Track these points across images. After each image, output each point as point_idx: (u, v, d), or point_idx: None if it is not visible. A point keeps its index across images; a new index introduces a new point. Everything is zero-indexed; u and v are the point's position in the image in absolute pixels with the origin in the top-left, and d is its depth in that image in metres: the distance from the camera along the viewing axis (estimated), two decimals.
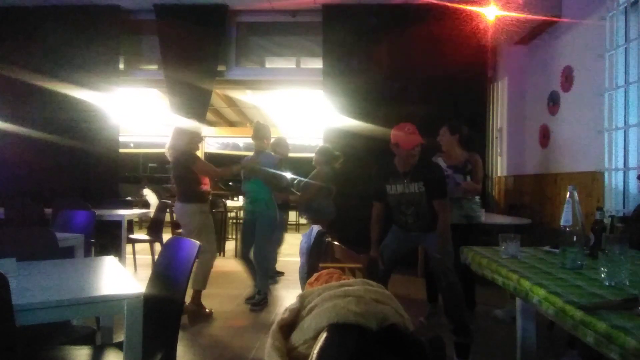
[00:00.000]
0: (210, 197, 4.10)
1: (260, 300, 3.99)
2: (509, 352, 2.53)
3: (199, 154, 3.96)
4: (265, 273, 4.13)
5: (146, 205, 9.00)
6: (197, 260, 3.57)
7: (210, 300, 4.00)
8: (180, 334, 2.86)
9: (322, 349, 1.08)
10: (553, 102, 4.51)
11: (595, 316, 1.16)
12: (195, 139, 3.85)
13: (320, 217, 4.29)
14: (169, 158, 3.84)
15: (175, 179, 3.80)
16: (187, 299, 3.78)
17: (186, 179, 3.69)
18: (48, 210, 4.34)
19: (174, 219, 5.75)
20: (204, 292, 3.81)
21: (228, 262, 6.19)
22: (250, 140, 4.44)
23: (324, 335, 1.12)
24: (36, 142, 5.87)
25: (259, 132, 4.18)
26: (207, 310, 3.75)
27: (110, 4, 5.99)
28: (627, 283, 1.47)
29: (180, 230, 4.06)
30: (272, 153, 4.45)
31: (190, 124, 3.82)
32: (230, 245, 7.06)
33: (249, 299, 4.12)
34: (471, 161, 3.53)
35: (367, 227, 3.18)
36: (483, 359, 2.94)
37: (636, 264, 1.78)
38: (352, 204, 4.87)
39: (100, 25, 6.01)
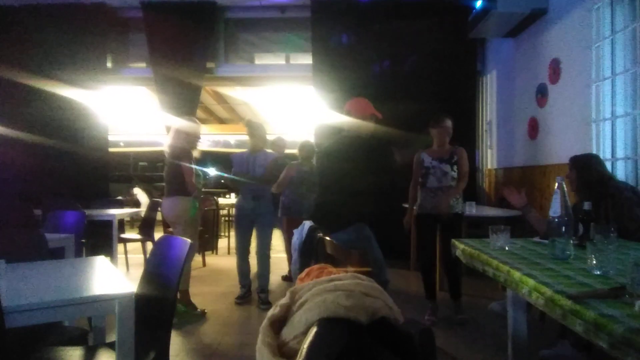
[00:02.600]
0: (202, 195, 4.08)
1: (266, 298, 4.04)
2: (500, 342, 2.56)
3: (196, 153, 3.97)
4: (268, 271, 4.13)
5: (137, 204, 8.95)
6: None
7: (202, 298, 3.99)
8: (174, 332, 2.86)
9: (311, 344, 1.09)
10: (541, 94, 4.53)
11: (584, 305, 1.17)
12: (194, 138, 3.84)
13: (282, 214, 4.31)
14: (166, 155, 3.82)
15: (168, 175, 3.77)
16: None
17: (180, 174, 3.67)
18: (37, 211, 4.30)
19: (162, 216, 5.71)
20: (195, 290, 3.79)
21: (220, 260, 6.17)
22: (241, 137, 4.46)
23: (313, 329, 1.13)
24: (24, 142, 5.79)
25: (253, 130, 4.18)
26: (198, 310, 3.71)
27: (95, 1, 5.91)
28: (615, 272, 1.48)
29: (172, 229, 4.04)
30: (269, 150, 4.44)
31: (189, 123, 3.80)
32: (222, 243, 7.03)
33: (238, 298, 4.13)
34: (457, 153, 3.53)
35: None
36: (475, 350, 2.97)
37: (623, 253, 1.80)
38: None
39: (86, 23, 5.92)
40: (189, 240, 1.84)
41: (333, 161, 2.87)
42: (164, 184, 3.92)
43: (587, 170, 2.54)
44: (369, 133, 2.92)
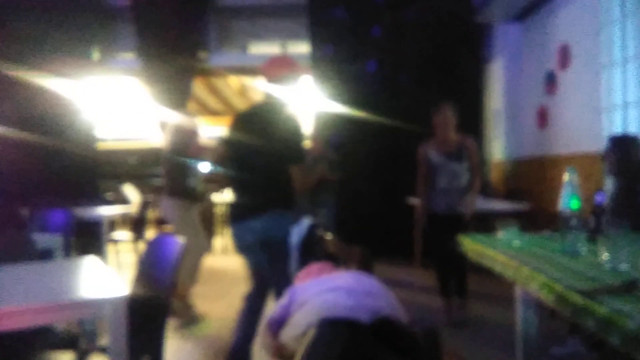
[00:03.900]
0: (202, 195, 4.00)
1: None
2: (509, 340, 2.50)
3: None
4: None
5: (128, 202, 8.82)
6: (187, 260, 3.47)
7: (199, 299, 3.92)
8: (170, 334, 2.81)
9: (310, 345, 1.05)
10: (550, 81, 4.44)
11: (596, 301, 1.15)
12: (193, 135, 3.73)
13: None
14: (164, 153, 3.73)
15: (167, 174, 3.69)
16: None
17: (177, 174, 3.60)
18: (23, 211, 4.21)
19: (160, 215, 5.63)
20: (193, 291, 3.73)
21: (216, 259, 6.08)
22: None
23: (313, 331, 1.09)
24: (8, 138, 5.67)
25: None
26: (198, 312, 3.62)
27: None
28: (628, 266, 1.45)
29: (164, 227, 3.96)
30: None
31: (186, 119, 3.72)
32: (217, 242, 6.93)
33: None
34: (466, 145, 3.33)
35: (360, 220, 3.11)
36: (483, 349, 2.94)
37: (636, 247, 1.76)
38: (343, 195, 4.78)
39: (72, 13, 5.78)
40: (182, 240, 1.79)
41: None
42: (157, 180, 3.85)
43: (631, 152, 2.39)
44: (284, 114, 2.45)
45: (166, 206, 3.66)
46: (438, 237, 3.44)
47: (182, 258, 3.54)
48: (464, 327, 3.30)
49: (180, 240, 1.82)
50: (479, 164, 3.38)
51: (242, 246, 2.37)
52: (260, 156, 2.27)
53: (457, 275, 3.44)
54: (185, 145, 3.63)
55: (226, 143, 2.48)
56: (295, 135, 2.33)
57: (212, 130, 12.85)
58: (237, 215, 2.36)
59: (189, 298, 3.66)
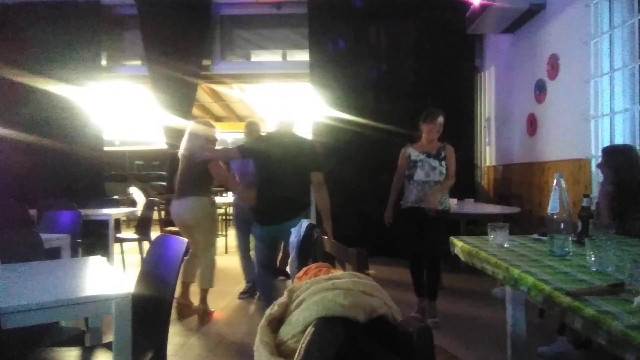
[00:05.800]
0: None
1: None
2: (499, 339, 2.55)
3: None
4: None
5: (133, 203, 8.90)
6: (204, 259, 3.54)
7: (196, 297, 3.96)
8: (172, 331, 2.86)
9: (309, 343, 1.08)
10: (540, 90, 4.53)
11: (583, 302, 1.17)
12: (210, 141, 3.77)
13: None
14: (181, 157, 3.74)
15: (189, 174, 3.65)
16: (192, 299, 3.74)
17: (203, 174, 3.57)
18: (32, 211, 4.27)
19: (162, 216, 5.69)
20: (193, 289, 3.78)
21: (218, 259, 6.11)
22: (238, 136, 4.42)
23: (311, 328, 1.12)
24: (18, 141, 5.77)
25: (247, 130, 4.26)
26: (211, 310, 3.72)
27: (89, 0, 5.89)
28: (614, 268, 1.48)
29: (169, 228, 3.99)
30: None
31: (204, 126, 3.75)
32: (219, 242, 6.97)
33: (243, 293, 4.22)
34: (445, 150, 3.44)
35: (358, 221, 3.18)
36: (474, 348, 2.97)
37: (622, 249, 1.80)
38: (341, 198, 4.84)
39: (80, 21, 5.90)
40: (185, 240, 1.83)
41: (281, 156, 2.97)
42: (161, 183, 3.88)
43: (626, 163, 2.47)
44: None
45: (184, 206, 3.61)
46: (410, 231, 3.49)
47: (200, 256, 3.65)
48: (457, 324, 3.33)
49: (182, 239, 1.85)
50: (454, 171, 3.43)
51: (265, 242, 3.02)
52: (289, 171, 2.87)
53: (429, 275, 3.44)
54: (202, 151, 3.60)
55: (246, 154, 3.13)
56: (313, 150, 3.06)
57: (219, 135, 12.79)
58: (267, 218, 2.95)
59: (205, 297, 3.70)
